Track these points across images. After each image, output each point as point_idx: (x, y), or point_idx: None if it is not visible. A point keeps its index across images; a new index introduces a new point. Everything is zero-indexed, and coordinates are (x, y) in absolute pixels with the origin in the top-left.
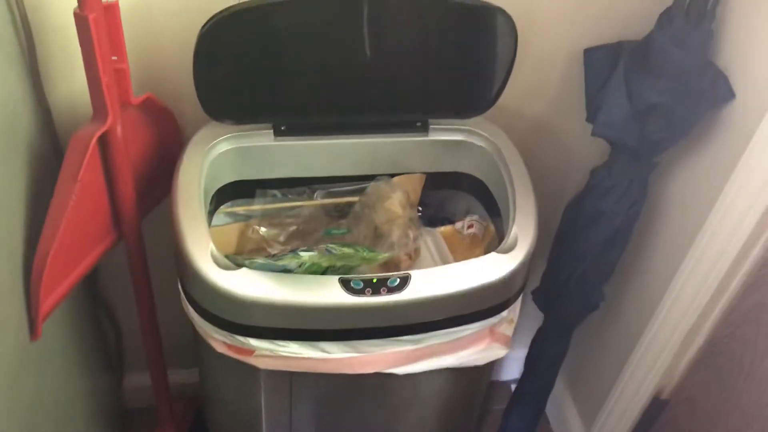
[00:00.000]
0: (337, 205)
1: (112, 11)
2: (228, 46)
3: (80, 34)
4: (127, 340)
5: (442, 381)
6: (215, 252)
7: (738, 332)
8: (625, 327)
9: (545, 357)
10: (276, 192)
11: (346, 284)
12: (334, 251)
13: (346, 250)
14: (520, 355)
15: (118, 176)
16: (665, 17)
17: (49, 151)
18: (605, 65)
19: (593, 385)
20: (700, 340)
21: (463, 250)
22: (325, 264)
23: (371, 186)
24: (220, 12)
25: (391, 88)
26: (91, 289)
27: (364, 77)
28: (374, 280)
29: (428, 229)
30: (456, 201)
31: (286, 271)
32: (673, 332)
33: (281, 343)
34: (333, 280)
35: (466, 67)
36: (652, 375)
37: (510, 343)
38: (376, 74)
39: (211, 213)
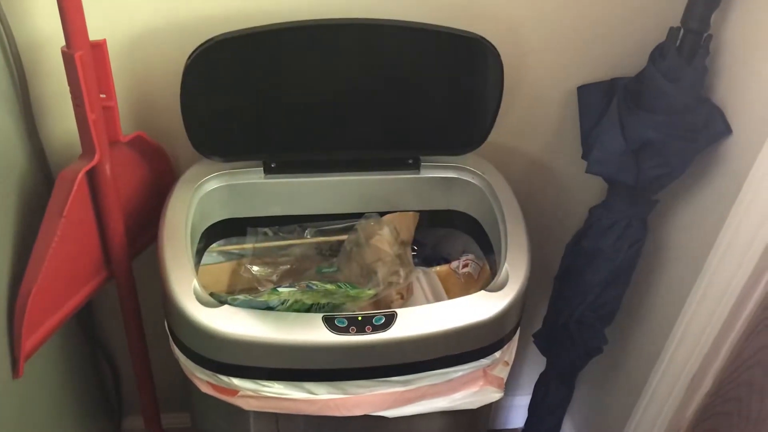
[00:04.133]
0: (329, 244)
1: (99, 49)
2: (213, 79)
3: (67, 72)
4: (126, 383)
5: (436, 425)
6: (198, 289)
7: (744, 377)
8: (630, 373)
9: (548, 403)
10: (267, 230)
11: (329, 322)
12: (315, 287)
13: (329, 286)
14: (526, 402)
15: (107, 214)
16: (658, 53)
17: (43, 190)
18: (599, 102)
19: None
20: (707, 386)
21: (458, 289)
22: (308, 301)
23: (359, 224)
24: (204, 42)
25: (382, 125)
26: (87, 330)
27: (354, 114)
28: (359, 318)
29: (423, 268)
30: (452, 240)
31: (268, 308)
32: (679, 377)
33: (265, 383)
34: (316, 318)
35: (456, 101)
36: (659, 423)
37: (503, 385)
38: (366, 110)
39: (201, 251)
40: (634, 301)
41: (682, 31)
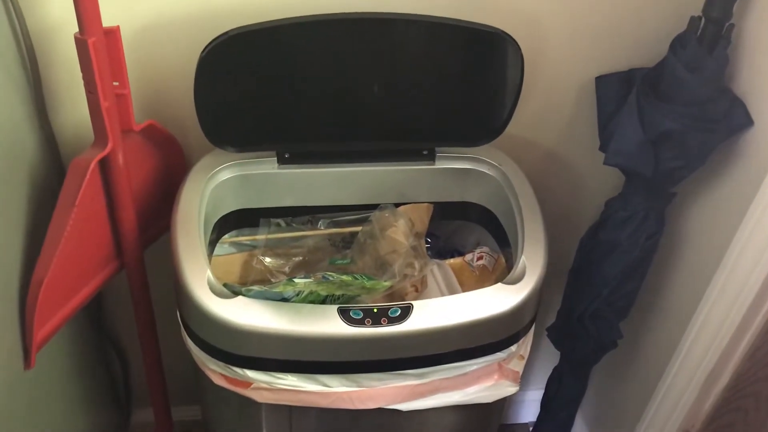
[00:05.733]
0: (342, 235)
1: (113, 36)
2: (228, 71)
3: (80, 59)
4: (135, 375)
5: (450, 419)
6: (212, 279)
7: (763, 372)
8: (645, 367)
9: (561, 398)
10: (280, 221)
11: (345, 314)
12: (331, 278)
13: (345, 277)
14: (538, 396)
15: (119, 203)
16: (678, 43)
17: (53, 178)
18: (617, 93)
19: (615, 428)
20: (724, 380)
21: (472, 282)
22: (323, 293)
23: (374, 215)
24: (219, 36)
25: (397, 115)
26: (97, 321)
27: (369, 104)
28: (375, 310)
29: (437, 261)
30: (466, 232)
31: (282, 299)
32: (695, 372)
33: (278, 375)
34: (331, 310)
35: (473, 94)
36: (674, 418)
37: (519, 379)
38: (382, 101)
39: (214, 242)
40: (649, 294)
41: (703, 20)
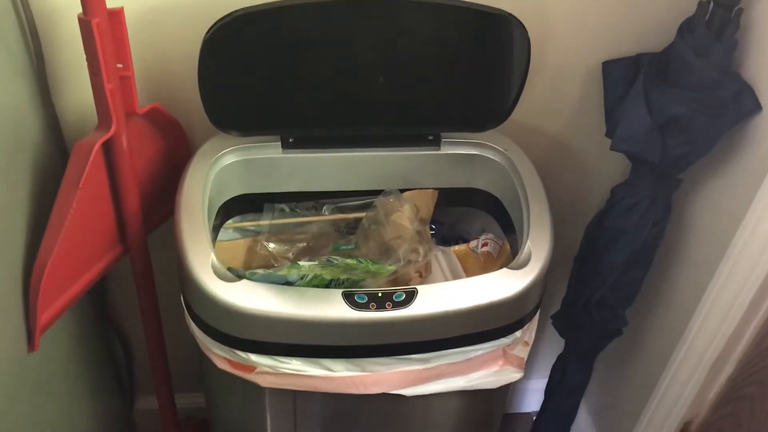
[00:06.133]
0: (346, 221)
1: (117, 17)
2: (232, 53)
3: (84, 40)
4: (138, 362)
5: (454, 405)
6: (216, 263)
7: None
8: (650, 355)
9: (566, 385)
10: (284, 206)
11: (349, 298)
12: (335, 261)
13: (349, 261)
14: (541, 386)
15: (122, 187)
16: (686, 27)
17: (57, 161)
18: (624, 78)
19: (618, 416)
20: (729, 369)
21: (477, 269)
22: (328, 277)
23: (378, 200)
24: (223, 17)
25: (402, 100)
26: (101, 308)
27: (374, 88)
28: (379, 294)
29: (441, 248)
30: (470, 219)
31: (287, 283)
32: (701, 360)
33: (282, 359)
34: (336, 294)
35: (479, 78)
36: (679, 406)
37: (524, 366)
38: (387, 84)
39: (218, 227)
40: (655, 282)
41: (711, 4)
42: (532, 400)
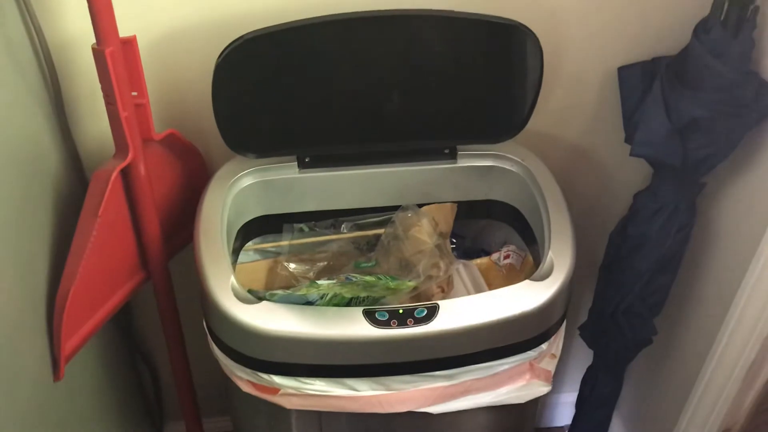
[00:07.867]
0: (366, 238)
1: (130, 46)
2: (245, 76)
3: (98, 69)
4: (165, 387)
5: (483, 421)
6: (236, 285)
7: None
8: (682, 362)
9: (597, 397)
10: (303, 226)
11: (370, 316)
12: (354, 279)
13: (368, 278)
14: (572, 399)
15: (142, 213)
16: (701, 28)
17: (77, 191)
18: (641, 83)
19: (653, 426)
20: (766, 373)
21: (500, 281)
22: (348, 295)
23: (396, 216)
24: (234, 41)
25: (417, 114)
26: (126, 334)
27: (388, 104)
28: (400, 311)
29: (463, 261)
30: (492, 231)
31: (307, 302)
32: (735, 366)
33: (306, 380)
34: (356, 312)
35: (493, 89)
36: (715, 414)
37: (551, 379)
38: (401, 100)
39: (238, 250)
40: (683, 288)
41: (726, 3)
42: (563, 414)
